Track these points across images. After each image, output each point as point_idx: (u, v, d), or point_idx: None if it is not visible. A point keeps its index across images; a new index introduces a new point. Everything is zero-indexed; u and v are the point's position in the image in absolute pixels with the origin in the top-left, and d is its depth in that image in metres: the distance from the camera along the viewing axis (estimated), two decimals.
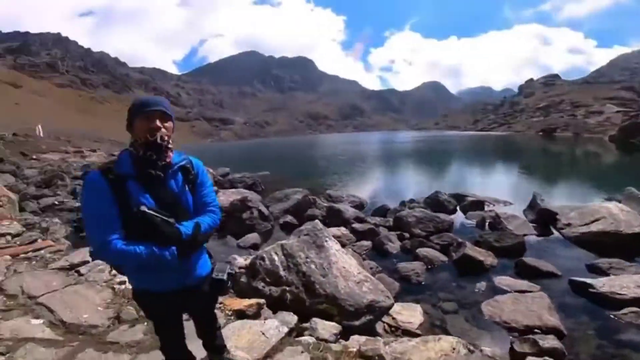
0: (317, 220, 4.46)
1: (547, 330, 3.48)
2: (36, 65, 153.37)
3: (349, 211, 8.35)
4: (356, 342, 2.76)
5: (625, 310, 3.83)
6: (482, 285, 4.73)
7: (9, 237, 5.13)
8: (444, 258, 5.68)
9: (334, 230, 6.61)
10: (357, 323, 3.23)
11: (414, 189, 12.72)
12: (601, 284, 4.28)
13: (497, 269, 5.27)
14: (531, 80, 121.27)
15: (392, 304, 3.59)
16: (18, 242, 4.94)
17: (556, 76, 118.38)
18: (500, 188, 12.28)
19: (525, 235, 6.48)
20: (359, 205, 9.68)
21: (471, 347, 2.68)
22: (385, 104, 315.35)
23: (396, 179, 16.83)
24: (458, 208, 9.07)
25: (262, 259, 3.65)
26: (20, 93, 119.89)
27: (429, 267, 5.42)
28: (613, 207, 6.60)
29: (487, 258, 5.43)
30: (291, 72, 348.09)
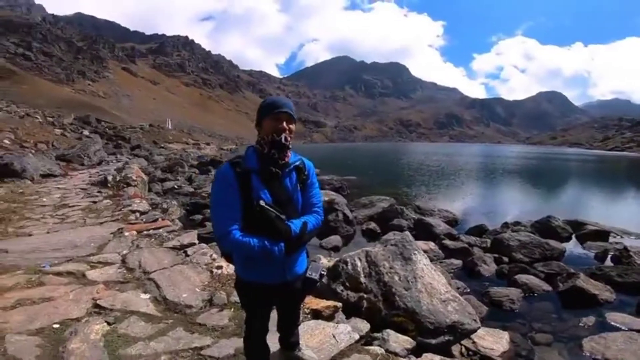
0: (407, 232, 4.27)
1: None
2: (169, 65, 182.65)
3: (441, 226, 7.93)
4: None
5: None
6: (588, 320, 4.22)
7: (137, 214, 5.76)
8: (547, 287, 5.15)
9: (421, 244, 6.32)
10: (433, 342, 3.03)
11: (519, 211, 11.47)
12: None
13: (612, 305, 4.66)
14: None
15: (478, 328, 3.31)
16: (144, 220, 5.45)
17: None
18: (634, 219, 10.40)
19: None
20: (452, 221, 9.12)
21: None
22: (489, 113, 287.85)
23: (497, 198, 15.22)
24: (574, 236, 8.12)
25: (345, 262, 3.63)
26: (157, 89, 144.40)
27: (527, 295, 4.94)
28: None
29: (602, 292, 4.79)
30: (383, 78, 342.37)
